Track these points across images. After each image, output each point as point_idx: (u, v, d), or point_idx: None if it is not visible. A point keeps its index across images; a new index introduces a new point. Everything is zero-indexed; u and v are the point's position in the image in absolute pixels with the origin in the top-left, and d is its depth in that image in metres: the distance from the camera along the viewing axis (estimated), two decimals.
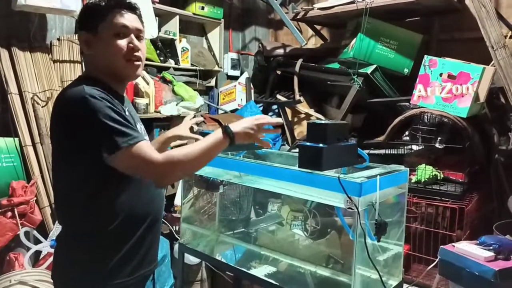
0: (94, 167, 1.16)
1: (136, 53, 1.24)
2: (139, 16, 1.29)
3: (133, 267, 1.26)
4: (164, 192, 1.50)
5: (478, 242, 1.72)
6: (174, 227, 2.57)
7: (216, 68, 3.71)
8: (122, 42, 1.22)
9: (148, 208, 1.30)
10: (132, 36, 1.23)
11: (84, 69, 1.35)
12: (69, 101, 1.16)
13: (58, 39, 2.62)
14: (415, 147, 2.49)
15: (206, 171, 1.82)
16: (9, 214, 2.18)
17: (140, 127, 1.35)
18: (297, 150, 1.45)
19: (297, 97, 3.14)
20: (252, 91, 3.76)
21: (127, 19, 1.23)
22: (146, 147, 1.15)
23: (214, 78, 3.80)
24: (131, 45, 1.23)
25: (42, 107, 2.43)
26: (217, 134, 1.24)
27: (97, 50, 1.23)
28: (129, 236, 1.25)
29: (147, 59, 2.86)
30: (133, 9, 1.26)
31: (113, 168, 1.15)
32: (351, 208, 1.30)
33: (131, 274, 1.26)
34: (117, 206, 1.21)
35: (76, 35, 2.67)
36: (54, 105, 1.23)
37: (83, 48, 1.26)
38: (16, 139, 2.35)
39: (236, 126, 1.28)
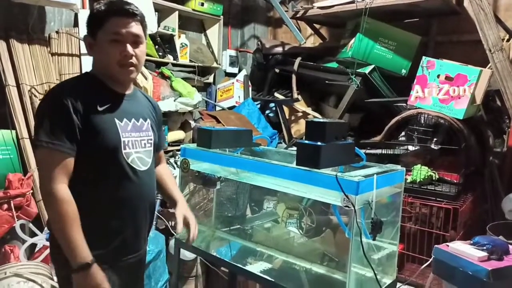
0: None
1: (130, 60, 1.28)
2: (140, 21, 1.31)
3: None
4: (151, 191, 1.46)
5: (472, 242, 1.74)
6: (170, 222, 2.57)
7: (215, 64, 3.71)
8: (116, 49, 1.27)
9: (125, 203, 1.32)
10: (127, 43, 1.27)
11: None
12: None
13: (57, 32, 2.61)
14: (411, 148, 2.51)
15: (204, 167, 1.83)
16: (5, 206, 2.18)
17: (143, 122, 1.38)
18: (294, 148, 1.46)
19: (295, 95, 3.15)
20: (250, 88, 3.77)
21: (123, 26, 1.26)
22: (58, 162, 1.18)
23: (212, 75, 3.80)
24: (124, 52, 1.27)
25: (40, 100, 2.42)
26: (80, 254, 1.15)
27: (96, 54, 1.32)
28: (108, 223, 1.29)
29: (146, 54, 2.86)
30: (132, 15, 1.28)
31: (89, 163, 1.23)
32: (348, 206, 1.31)
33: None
34: (92, 201, 1.25)
35: (75, 28, 2.68)
36: None
37: (87, 50, 1.34)
38: (13, 131, 2.34)
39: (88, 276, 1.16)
